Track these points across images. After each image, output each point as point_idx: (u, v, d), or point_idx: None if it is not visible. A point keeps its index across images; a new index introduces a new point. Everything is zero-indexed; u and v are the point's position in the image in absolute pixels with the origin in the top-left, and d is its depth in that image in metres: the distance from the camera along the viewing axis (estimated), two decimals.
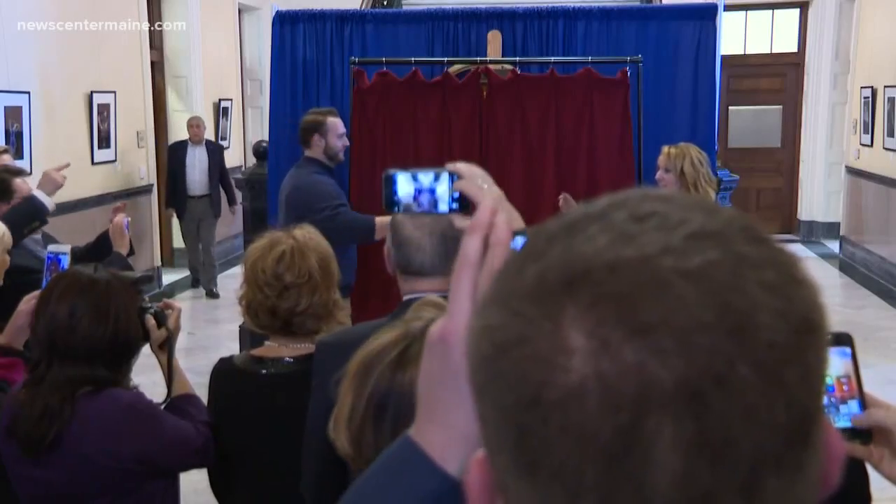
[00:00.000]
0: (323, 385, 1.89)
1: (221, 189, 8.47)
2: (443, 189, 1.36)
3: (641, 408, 0.43)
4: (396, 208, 1.38)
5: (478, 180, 1.38)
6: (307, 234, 2.17)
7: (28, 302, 2.20)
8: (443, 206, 1.37)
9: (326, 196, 4.19)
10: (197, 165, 8.41)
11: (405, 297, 1.97)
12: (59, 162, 4.02)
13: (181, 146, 8.47)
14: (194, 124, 8.47)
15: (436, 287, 1.94)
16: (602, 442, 0.44)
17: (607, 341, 0.44)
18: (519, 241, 0.66)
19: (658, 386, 0.43)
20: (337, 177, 4.49)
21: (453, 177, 1.35)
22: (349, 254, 4.19)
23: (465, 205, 1.37)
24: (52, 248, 3.00)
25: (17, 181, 3.61)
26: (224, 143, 9.69)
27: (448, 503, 0.55)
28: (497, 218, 0.67)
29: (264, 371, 2.17)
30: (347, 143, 4.45)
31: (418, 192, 1.29)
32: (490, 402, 0.49)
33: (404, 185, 1.23)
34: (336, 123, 4.36)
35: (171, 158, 8.48)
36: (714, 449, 0.43)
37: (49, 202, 3.58)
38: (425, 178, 1.13)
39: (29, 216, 3.50)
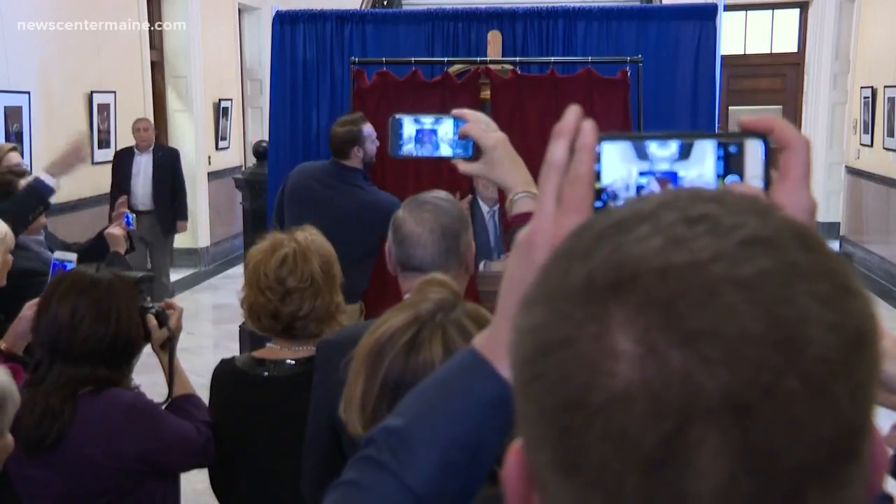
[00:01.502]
0: (325, 384, 1.89)
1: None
2: (446, 133, 1.35)
3: (686, 416, 0.43)
4: (401, 152, 1.38)
5: (482, 124, 1.38)
6: (309, 236, 2.16)
7: (30, 308, 2.19)
8: (446, 150, 1.37)
9: (396, 203, 4.15)
10: (141, 176, 7.24)
11: (406, 296, 1.97)
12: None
13: (127, 154, 7.28)
14: (140, 127, 7.29)
15: None
16: (645, 449, 0.43)
17: (654, 348, 0.44)
18: (604, 145, 0.65)
19: (704, 395, 0.43)
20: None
21: (458, 123, 1.34)
22: (368, 260, 4.14)
23: (467, 149, 1.37)
24: (57, 255, 3.00)
25: (22, 182, 3.61)
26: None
27: (510, 408, 0.55)
28: (583, 123, 0.66)
29: (266, 373, 2.17)
30: (378, 144, 4.38)
31: (421, 134, 1.27)
32: (533, 402, 0.49)
33: (409, 129, 1.21)
34: (370, 129, 4.31)
35: (116, 168, 7.28)
36: (757, 461, 0.43)
37: (53, 182, 3.55)
38: (429, 121, 1.11)
39: (33, 203, 3.49)
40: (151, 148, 7.31)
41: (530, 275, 0.60)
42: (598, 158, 0.65)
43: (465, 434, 0.78)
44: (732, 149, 0.65)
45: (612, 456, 0.44)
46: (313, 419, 1.93)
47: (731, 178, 0.65)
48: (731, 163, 0.65)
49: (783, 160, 0.64)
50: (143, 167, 7.24)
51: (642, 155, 0.66)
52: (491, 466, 0.82)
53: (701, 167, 0.66)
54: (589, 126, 0.66)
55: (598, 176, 0.65)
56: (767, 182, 0.65)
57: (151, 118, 8.71)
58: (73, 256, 2.92)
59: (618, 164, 0.66)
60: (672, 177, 0.65)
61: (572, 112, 0.67)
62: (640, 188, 0.66)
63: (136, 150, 7.28)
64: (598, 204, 0.65)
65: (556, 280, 0.49)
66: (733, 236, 0.46)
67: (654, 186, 0.66)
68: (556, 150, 0.66)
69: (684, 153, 0.66)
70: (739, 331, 0.43)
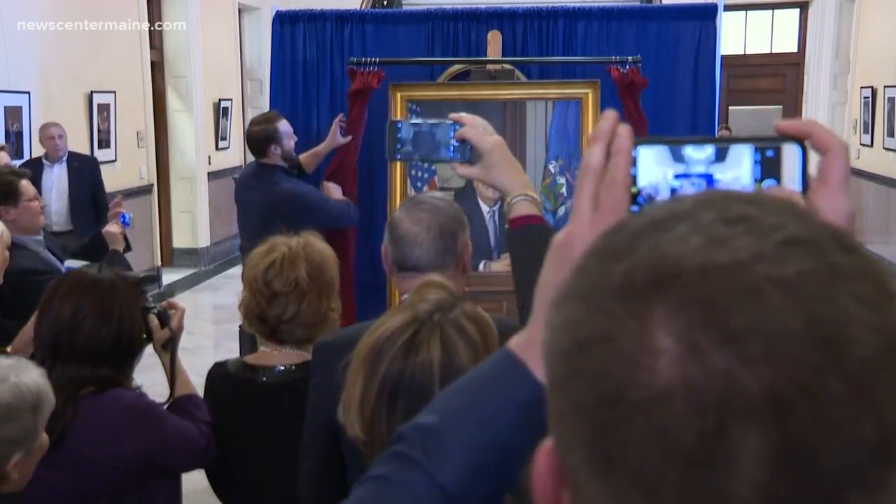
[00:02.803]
0: (321, 386, 1.88)
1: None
2: (443, 136, 1.35)
3: (727, 415, 0.43)
4: (399, 155, 1.38)
5: (479, 128, 1.38)
6: (304, 241, 2.16)
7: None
8: (443, 153, 1.37)
9: (316, 193, 4.33)
10: (55, 191, 6.21)
11: (404, 296, 1.97)
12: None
13: (35, 165, 6.08)
14: (51, 135, 6.18)
15: None
16: (685, 447, 0.43)
17: (696, 345, 0.44)
18: (641, 150, 0.66)
19: (744, 393, 0.43)
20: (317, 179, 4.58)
21: (454, 126, 1.35)
22: None
23: (465, 152, 1.37)
24: (69, 264, 3.02)
25: (24, 183, 3.61)
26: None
27: (544, 411, 0.55)
28: (619, 127, 0.66)
29: (256, 379, 2.17)
30: (297, 140, 4.53)
31: (418, 137, 1.27)
32: (567, 398, 0.48)
33: (406, 133, 1.21)
34: (287, 126, 4.43)
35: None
36: (797, 461, 0.43)
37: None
38: (426, 125, 1.11)
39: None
40: (65, 158, 6.29)
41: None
42: (634, 162, 0.65)
43: (499, 435, 0.78)
44: (769, 153, 0.65)
45: (651, 453, 0.44)
46: (311, 421, 1.92)
47: (769, 183, 0.65)
48: (767, 167, 0.65)
49: (822, 164, 0.64)
50: (55, 181, 6.25)
51: (678, 158, 0.66)
52: (523, 468, 0.82)
53: (737, 170, 0.66)
54: (625, 130, 0.66)
55: (633, 180, 0.66)
56: (805, 186, 0.65)
57: (151, 118, 8.70)
58: (82, 265, 2.92)
59: (653, 168, 0.66)
60: (708, 179, 0.65)
61: (609, 116, 0.68)
62: (673, 191, 0.66)
63: (45, 160, 6.25)
64: (634, 208, 0.66)
65: (593, 277, 0.49)
66: (773, 237, 0.46)
67: (689, 189, 0.66)
68: (593, 155, 0.67)
69: (720, 156, 0.66)
70: (781, 330, 0.43)
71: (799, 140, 0.65)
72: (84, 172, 6.39)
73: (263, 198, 4.42)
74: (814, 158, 0.66)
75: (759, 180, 0.65)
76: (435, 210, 1.96)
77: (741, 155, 0.66)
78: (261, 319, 2.13)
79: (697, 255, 0.46)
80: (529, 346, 0.76)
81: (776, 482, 0.43)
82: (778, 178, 0.65)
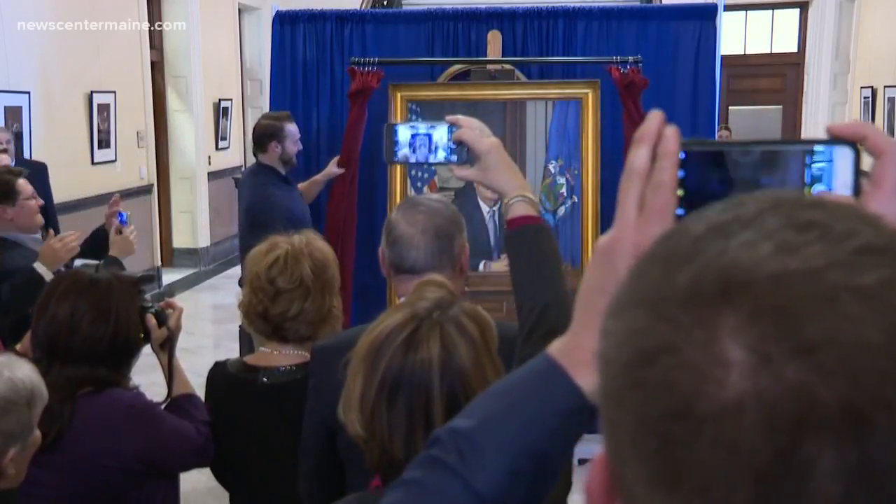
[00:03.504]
0: (319, 388, 1.89)
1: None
2: (441, 139, 1.36)
3: (802, 430, 0.41)
4: (396, 158, 1.38)
5: (476, 130, 1.38)
6: (306, 239, 2.16)
7: None
8: (440, 155, 1.37)
9: (280, 218, 4.16)
10: None
11: (401, 298, 1.97)
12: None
13: None
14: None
15: None
16: (758, 462, 0.42)
17: (769, 357, 0.42)
18: (688, 153, 0.63)
19: (821, 408, 0.41)
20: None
21: (451, 128, 1.35)
22: None
23: (462, 154, 1.37)
24: (77, 264, 3.01)
25: (21, 182, 3.60)
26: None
27: (583, 419, 0.53)
28: (666, 129, 0.64)
29: (256, 380, 2.16)
30: (301, 148, 4.54)
31: (416, 140, 1.27)
32: (628, 410, 0.46)
33: (404, 136, 1.21)
34: (293, 130, 4.42)
35: None
36: (876, 478, 0.41)
37: (47, 274, 3.24)
38: (423, 127, 1.11)
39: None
40: (13, 166, 5.39)
41: (611, 283, 0.59)
42: (681, 165, 0.63)
43: (536, 441, 0.77)
44: (820, 157, 0.63)
45: (720, 468, 0.42)
46: (309, 422, 1.93)
47: (819, 188, 0.63)
48: (818, 171, 0.63)
49: (875, 168, 0.62)
50: None
51: (725, 161, 0.64)
52: (558, 477, 0.81)
53: (785, 175, 0.63)
54: (672, 132, 0.64)
55: (681, 183, 0.63)
56: (857, 191, 0.63)
57: (151, 118, 8.70)
58: (93, 265, 2.92)
59: (699, 171, 0.64)
60: (755, 183, 0.63)
61: (655, 117, 0.65)
62: (720, 195, 0.64)
63: None
64: (680, 212, 0.63)
65: (654, 284, 0.47)
66: (847, 244, 0.44)
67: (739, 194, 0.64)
68: (639, 157, 0.65)
69: (767, 160, 0.64)
70: (860, 341, 0.41)
71: (852, 143, 0.63)
72: (33, 180, 5.59)
73: (244, 199, 4.48)
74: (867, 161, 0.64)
75: (809, 185, 0.63)
76: (431, 212, 1.96)
77: (790, 159, 0.64)
78: (263, 318, 2.12)
79: (770, 263, 0.44)
80: (571, 353, 0.74)
81: (852, 500, 0.41)
82: (829, 182, 0.63)
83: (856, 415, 0.41)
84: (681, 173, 0.63)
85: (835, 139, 0.63)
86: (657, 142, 0.64)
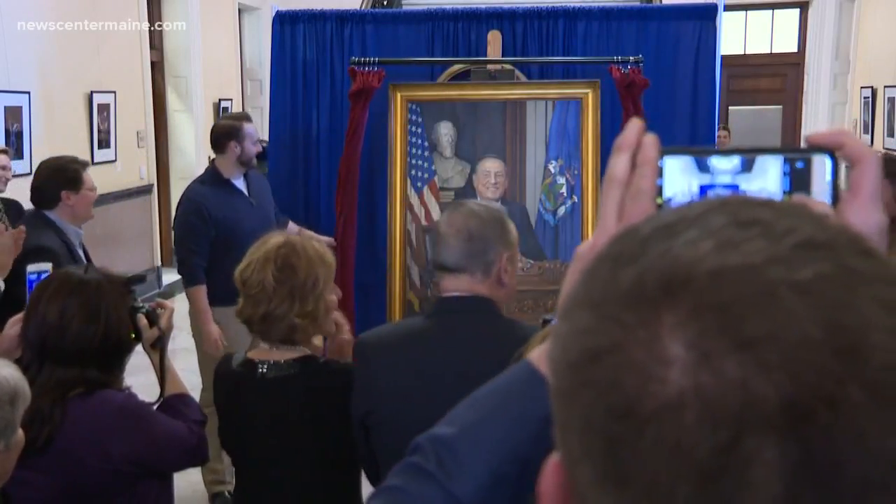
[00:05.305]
0: (358, 382, 2.02)
1: None
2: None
3: (743, 426, 0.41)
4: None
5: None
6: (286, 241, 2.20)
7: (13, 325, 2.13)
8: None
9: (191, 237, 4.20)
10: None
11: (443, 295, 2.06)
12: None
13: None
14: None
15: (462, 286, 1.99)
16: (698, 459, 0.41)
17: (708, 353, 0.42)
18: (667, 161, 0.64)
19: (762, 404, 0.41)
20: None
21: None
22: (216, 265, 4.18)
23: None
24: (31, 268, 2.93)
25: (86, 173, 3.83)
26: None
27: None
28: (645, 137, 0.64)
29: (255, 373, 2.20)
30: (261, 149, 4.50)
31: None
32: (576, 410, 0.46)
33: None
34: (252, 130, 4.39)
35: None
36: (818, 474, 0.41)
37: None
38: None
39: None
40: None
41: None
42: (659, 173, 0.63)
43: (518, 448, 0.77)
44: (799, 164, 0.63)
45: (663, 467, 0.42)
46: (353, 415, 2.04)
47: (798, 195, 0.63)
48: (797, 178, 0.63)
49: (853, 176, 0.62)
50: None
51: (703, 168, 0.64)
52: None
53: (764, 181, 0.63)
54: (651, 140, 0.64)
55: (659, 190, 0.63)
56: (835, 199, 0.63)
57: (151, 118, 8.70)
58: (47, 266, 2.92)
59: (679, 178, 0.64)
60: (734, 190, 0.63)
61: (634, 125, 0.66)
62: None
63: None
64: None
65: (601, 284, 0.47)
66: (787, 239, 0.44)
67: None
68: (618, 164, 0.65)
69: (747, 167, 0.64)
70: (799, 336, 0.41)
71: (829, 151, 0.63)
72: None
73: (175, 229, 4.46)
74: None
75: (788, 192, 0.63)
76: (469, 214, 2.04)
77: (769, 166, 0.63)
78: (245, 318, 2.21)
79: (709, 260, 0.44)
80: None
81: (795, 497, 0.41)
82: (808, 189, 0.63)
83: (797, 410, 0.41)
84: (660, 181, 0.64)
85: (813, 147, 0.64)
86: (637, 149, 0.64)
